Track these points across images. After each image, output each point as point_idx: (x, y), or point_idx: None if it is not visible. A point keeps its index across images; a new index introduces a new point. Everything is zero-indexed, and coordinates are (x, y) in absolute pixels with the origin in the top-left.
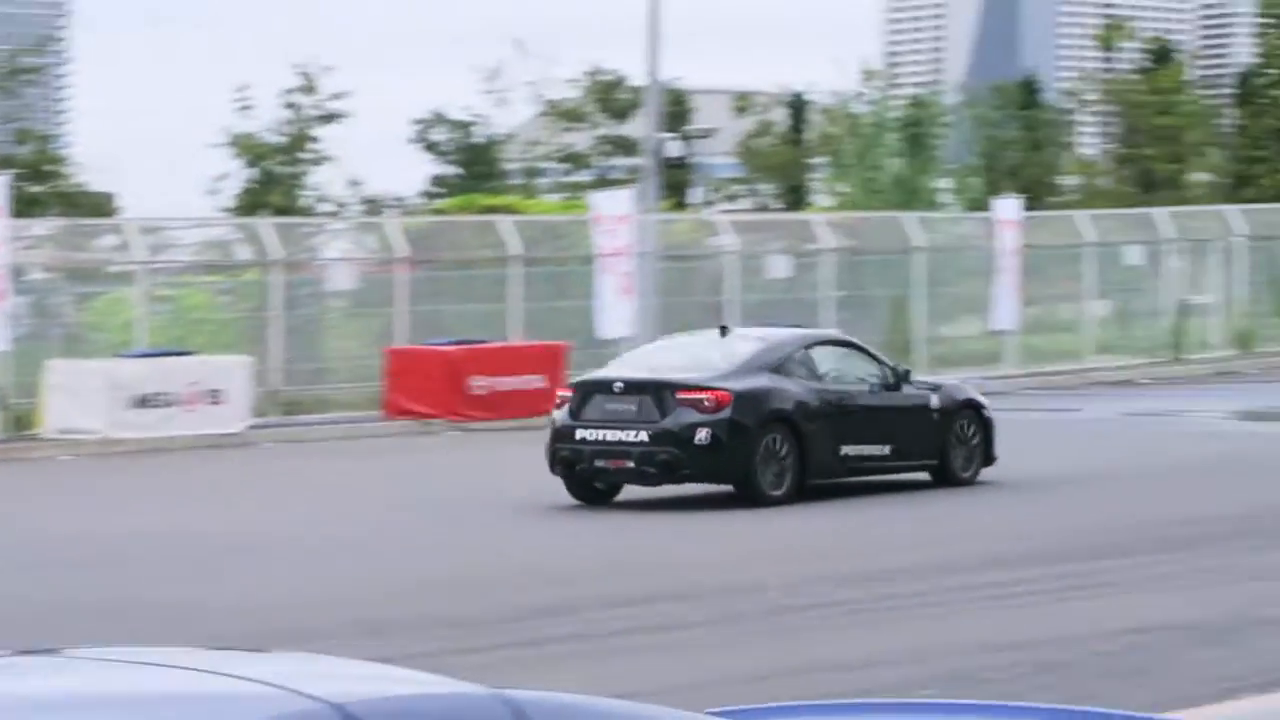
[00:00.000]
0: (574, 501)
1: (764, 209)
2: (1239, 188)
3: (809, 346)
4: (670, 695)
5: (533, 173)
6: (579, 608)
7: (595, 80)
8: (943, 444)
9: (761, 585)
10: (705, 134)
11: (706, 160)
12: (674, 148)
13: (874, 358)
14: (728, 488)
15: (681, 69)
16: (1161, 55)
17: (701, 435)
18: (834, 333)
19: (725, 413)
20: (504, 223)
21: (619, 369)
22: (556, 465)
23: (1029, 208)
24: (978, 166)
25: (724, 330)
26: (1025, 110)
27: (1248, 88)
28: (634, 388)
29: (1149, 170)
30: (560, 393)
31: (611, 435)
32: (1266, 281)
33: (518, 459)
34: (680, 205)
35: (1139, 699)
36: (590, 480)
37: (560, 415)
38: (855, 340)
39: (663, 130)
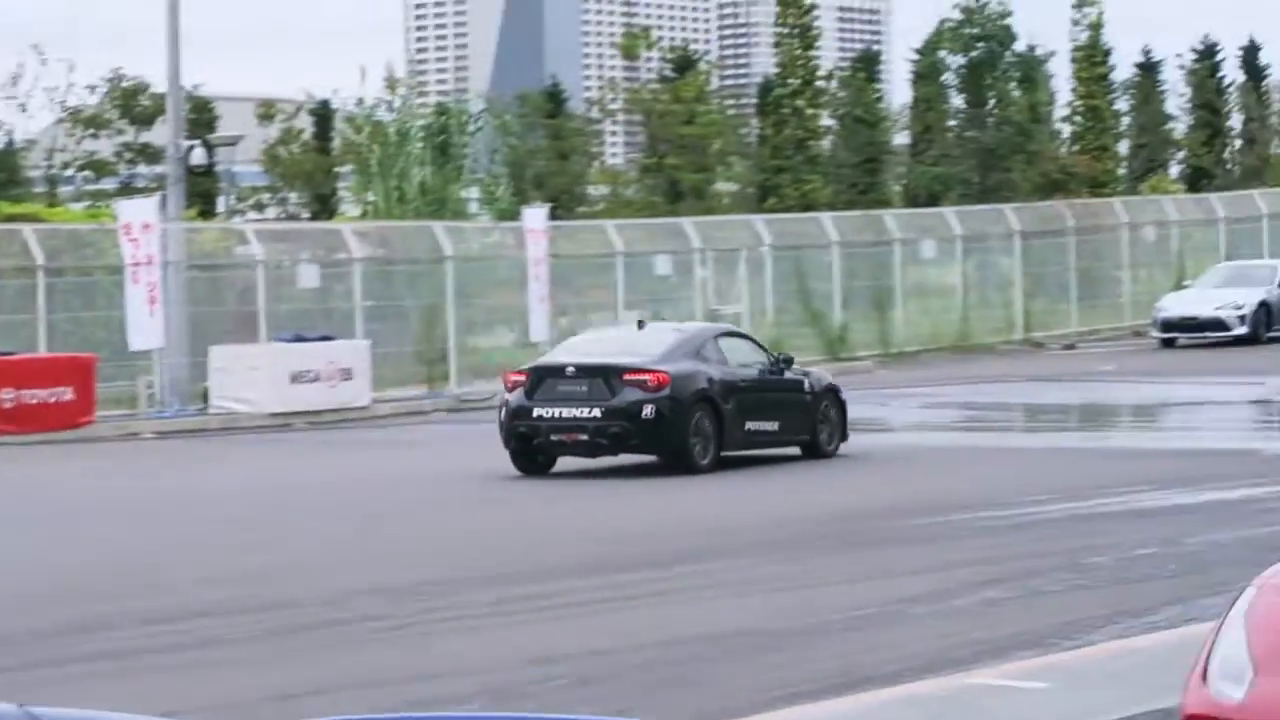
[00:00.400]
0: (120, 512)
1: (293, 218)
2: (764, 198)
3: (716, 337)
4: (204, 714)
5: (55, 181)
6: (117, 624)
7: (117, 86)
8: (813, 422)
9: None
10: (230, 141)
11: (232, 168)
12: (198, 155)
13: (762, 348)
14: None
15: (204, 75)
16: (684, 64)
17: (648, 410)
18: (732, 326)
19: (665, 391)
20: (27, 232)
21: (564, 356)
22: (512, 440)
23: (557, 217)
24: (504, 175)
25: (640, 324)
26: (550, 119)
27: (769, 98)
28: (584, 371)
29: (675, 180)
30: (512, 377)
31: (567, 412)
32: (794, 291)
33: (51, 472)
34: (207, 214)
35: (684, 711)
36: (543, 453)
37: (515, 396)
38: (747, 333)
39: (186, 137)
